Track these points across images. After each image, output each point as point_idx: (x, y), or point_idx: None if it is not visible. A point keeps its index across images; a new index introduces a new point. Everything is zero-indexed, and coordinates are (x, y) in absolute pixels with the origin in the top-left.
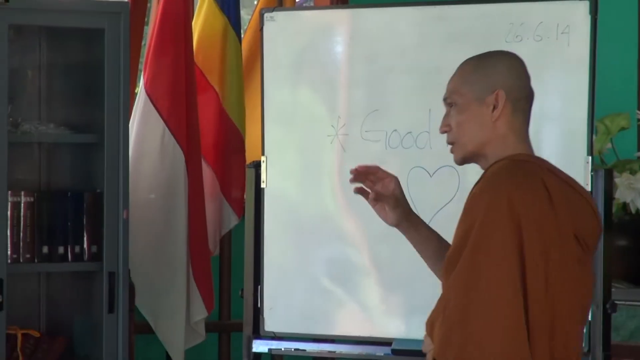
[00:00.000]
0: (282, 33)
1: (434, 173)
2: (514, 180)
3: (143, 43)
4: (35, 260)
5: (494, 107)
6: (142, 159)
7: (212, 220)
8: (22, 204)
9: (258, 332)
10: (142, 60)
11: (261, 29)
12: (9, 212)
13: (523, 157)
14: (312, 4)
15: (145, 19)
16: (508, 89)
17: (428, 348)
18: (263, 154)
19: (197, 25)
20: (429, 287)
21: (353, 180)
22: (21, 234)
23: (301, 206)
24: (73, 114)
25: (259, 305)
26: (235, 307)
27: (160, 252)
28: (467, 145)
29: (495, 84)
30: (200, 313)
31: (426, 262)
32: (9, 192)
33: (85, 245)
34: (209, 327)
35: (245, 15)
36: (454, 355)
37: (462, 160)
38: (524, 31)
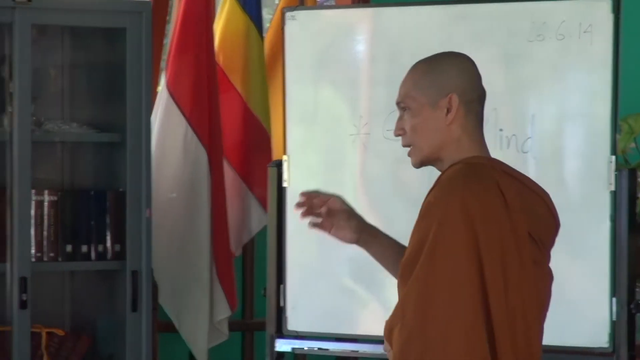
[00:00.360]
0: (304, 32)
1: None
2: (468, 185)
3: (165, 42)
4: (59, 259)
5: (448, 111)
6: (165, 157)
7: (236, 220)
8: (46, 203)
9: (281, 331)
10: (164, 59)
11: (282, 28)
12: (32, 211)
13: (476, 160)
14: (333, 3)
15: (167, 18)
16: (460, 92)
17: (388, 349)
18: (285, 153)
19: (219, 25)
20: None
21: (304, 214)
22: (45, 233)
23: None
24: (96, 113)
25: (281, 304)
26: (258, 306)
27: (184, 251)
28: (423, 149)
29: (448, 87)
30: (223, 312)
31: (389, 270)
32: (33, 190)
33: (108, 244)
34: (232, 326)
35: (267, 14)
36: None
37: (419, 164)
38: (546, 30)
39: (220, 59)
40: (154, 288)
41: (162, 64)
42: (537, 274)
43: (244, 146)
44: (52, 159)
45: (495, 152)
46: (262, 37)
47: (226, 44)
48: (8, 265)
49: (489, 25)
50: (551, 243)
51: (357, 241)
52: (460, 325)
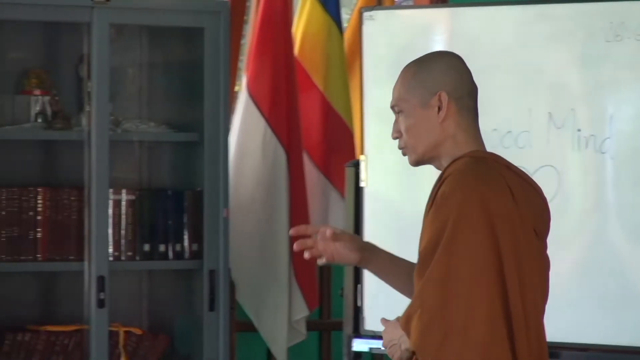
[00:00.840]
0: (382, 32)
1: (534, 173)
2: (482, 179)
3: (243, 42)
4: (137, 258)
5: (439, 109)
6: (245, 157)
7: (318, 219)
8: (124, 202)
9: (358, 331)
10: (242, 58)
11: (360, 28)
12: (110, 210)
13: (481, 154)
14: (411, 3)
15: (245, 18)
16: (450, 89)
17: (390, 344)
18: (362, 152)
19: (300, 24)
20: None
21: (299, 246)
22: (122, 232)
23: (401, 205)
24: (173, 113)
25: (359, 304)
26: (335, 306)
27: (263, 250)
28: (418, 148)
29: (436, 85)
30: (301, 311)
31: (392, 283)
32: (111, 190)
33: (186, 243)
34: (310, 325)
35: (345, 14)
36: (436, 345)
37: (416, 163)
38: (624, 30)
39: (301, 58)
40: (232, 287)
41: (240, 64)
42: (543, 265)
43: (326, 144)
44: (129, 159)
45: (574, 153)
46: (342, 37)
47: (307, 43)
48: (86, 264)
49: (566, 26)
50: (547, 233)
51: (360, 261)
52: (480, 312)
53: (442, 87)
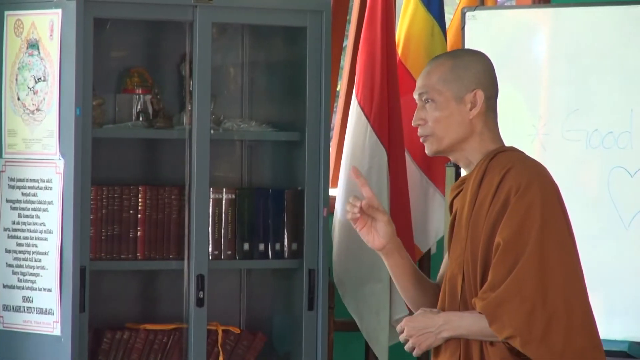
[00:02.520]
0: (484, 32)
1: (635, 173)
2: (543, 169)
3: (345, 42)
4: (236, 257)
5: (472, 106)
6: (349, 157)
7: (421, 219)
8: (224, 201)
9: None
10: (344, 57)
11: (462, 28)
12: (210, 209)
13: (516, 149)
14: (513, 3)
15: (347, 18)
16: (484, 88)
17: (423, 331)
18: None
19: (403, 25)
20: (630, 288)
21: (351, 215)
22: (222, 231)
23: None
24: (275, 112)
25: None
26: None
27: (364, 250)
28: (443, 139)
29: (473, 83)
30: (401, 311)
31: (400, 284)
32: (211, 189)
33: (285, 243)
34: None
35: (447, 13)
36: (541, 331)
37: (435, 153)
38: None
39: (404, 58)
40: (331, 287)
41: (342, 63)
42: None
43: None
44: (230, 157)
45: None
46: (445, 37)
47: (410, 44)
48: (185, 262)
49: None
50: None
51: (382, 248)
52: (577, 296)
53: (479, 85)
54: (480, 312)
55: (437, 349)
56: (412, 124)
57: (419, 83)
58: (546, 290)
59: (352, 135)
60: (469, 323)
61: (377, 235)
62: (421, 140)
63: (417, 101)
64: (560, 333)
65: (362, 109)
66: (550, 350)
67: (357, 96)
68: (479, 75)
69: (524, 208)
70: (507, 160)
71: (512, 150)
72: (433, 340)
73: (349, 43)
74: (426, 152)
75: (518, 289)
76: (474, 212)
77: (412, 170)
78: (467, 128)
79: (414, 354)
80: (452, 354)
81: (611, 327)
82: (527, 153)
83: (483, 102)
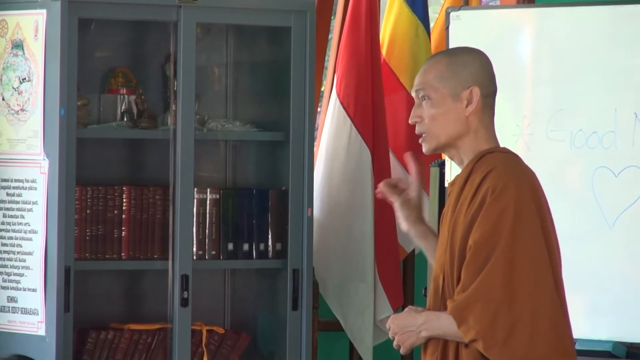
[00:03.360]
0: (468, 32)
1: (619, 173)
2: (525, 172)
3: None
4: (221, 257)
5: (468, 103)
6: (332, 157)
7: None
8: (208, 201)
9: None
10: (327, 57)
11: (447, 28)
12: (194, 209)
13: (508, 150)
14: (498, 3)
15: (332, 17)
16: (480, 85)
17: (404, 330)
18: None
19: (388, 26)
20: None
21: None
22: (207, 231)
23: None
24: (259, 112)
25: None
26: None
27: (348, 250)
28: (440, 136)
29: (470, 80)
30: (385, 311)
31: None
32: (195, 189)
33: (269, 243)
34: None
35: (431, 14)
36: (504, 335)
37: (432, 151)
38: None
39: (389, 58)
40: (315, 287)
41: (326, 63)
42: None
43: (413, 143)
44: (214, 157)
45: None
46: (429, 37)
47: (395, 44)
48: (170, 262)
49: None
50: None
51: (408, 230)
52: (544, 302)
53: (475, 82)
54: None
55: (424, 348)
56: (409, 122)
57: (416, 80)
58: (513, 294)
59: (334, 135)
60: (445, 324)
61: (404, 221)
62: (420, 140)
63: (414, 99)
64: (523, 338)
65: (345, 109)
66: (512, 355)
67: (339, 96)
68: (476, 72)
69: (498, 211)
70: (491, 162)
71: (502, 151)
72: (415, 339)
73: (333, 43)
74: (423, 150)
75: (485, 291)
76: (455, 213)
77: (397, 170)
78: (463, 125)
79: (401, 352)
80: (432, 353)
81: (595, 327)
82: None
83: (479, 99)
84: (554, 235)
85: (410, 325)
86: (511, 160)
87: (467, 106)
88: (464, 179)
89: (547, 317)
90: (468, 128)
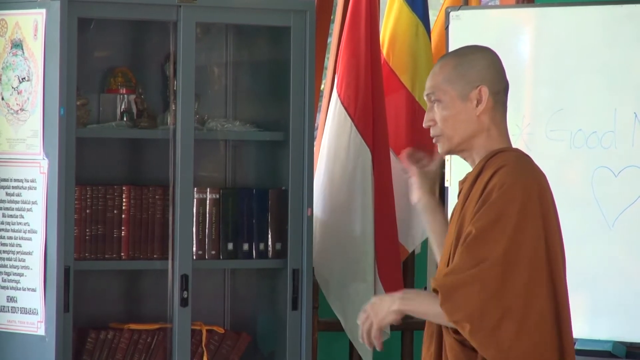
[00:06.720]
0: (468, 32)
1: (619, 173)
2: (534, 172)
3: (328, 41)
4: (220, 257)
5: (478, 102)
6: (333, 157)
7: (407, 219)
8: (208, 201)
9: None
10: (328, 57)
11: (446, 28)
12: (194, 209)
13: (519, 150)
14: (497, 3)
15: (331, 17)
16: (489, 84)
17: (367, 309)
18: None
19: (388, 25)
20: (614, 288)
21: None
22: (206, 231)
23: None
24: (259, 112)
25: None
26: None
27: (348, 250)
28: (453, 138)
29: (477, 80)
30: None
31: (431, 245)
32: (195, 188)
33: (269, 243)
34: (393, 325)
35: (431, 14)
36: (492, 325)
37: (447, 152)
38: None
39: (389, 58)
40: (315, 287)
41: (326, 63)
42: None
43: (414, 143)
44: (214, 157)
45: None
46: (429, 37)
47: (395, 44)
48: (170, 262)
49: None
50: None
51: (419, 200)
52: (537, 299)
53: (483, 81)
54: (434, 289)
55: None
56: (423, 126)
57: (426, 84)
58: (507, 284)
59: (335, 135)
60: (421, 300)
61: (417, 188)
62: (433, 141)
63: (427, 102)
64: (511, 329)
65: (346, 108)
66: (497, 344)
67: (339, 96)
68: (483, 71)
69: (503, 204)
70: (502, 160)
71: (513, 151)
72: (385, 313)
73: (332, 43)
74: (439, 152)
75: (480, 277)
76: (464, 209)
77: (397, 170)
78: (475, 125)
79: (372, 335)
80: (427, 348)
81: (595, 327)
82: None
83: (489, 97)
84: (559, 237)
85: (385, 300)
86: (522, 159)
87: (477, 106)
88: (475, 176)
89: (537, 313)
90: (480, 127)
